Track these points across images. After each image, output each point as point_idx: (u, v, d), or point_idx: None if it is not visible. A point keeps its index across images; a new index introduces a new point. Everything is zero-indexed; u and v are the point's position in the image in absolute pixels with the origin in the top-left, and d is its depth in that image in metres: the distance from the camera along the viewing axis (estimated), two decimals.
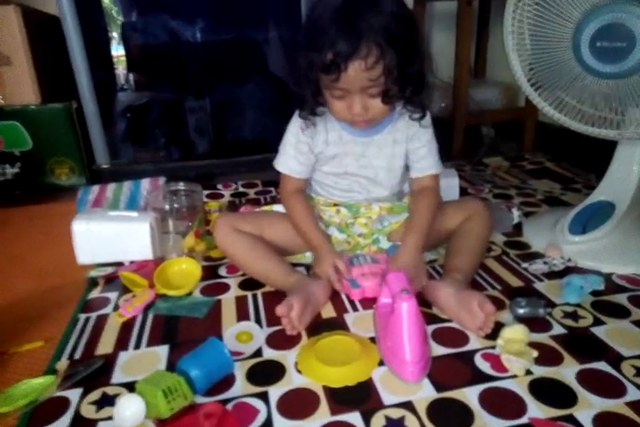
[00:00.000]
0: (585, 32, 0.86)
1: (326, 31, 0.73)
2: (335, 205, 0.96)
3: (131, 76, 2.29)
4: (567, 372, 0.66)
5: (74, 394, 0.64)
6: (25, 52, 1.38)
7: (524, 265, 0.95)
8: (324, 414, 0.60)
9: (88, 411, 0.61)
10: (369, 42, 0.71)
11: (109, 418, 0.60)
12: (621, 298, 0.83)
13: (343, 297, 0.86)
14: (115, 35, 2.62)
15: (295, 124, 0.91)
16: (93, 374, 0.67)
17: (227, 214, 1.01)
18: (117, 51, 2.43)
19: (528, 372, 0.66)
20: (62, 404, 0.63)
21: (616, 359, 0.68)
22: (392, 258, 0.86)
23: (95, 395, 0.64)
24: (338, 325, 0.78)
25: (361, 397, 0.63)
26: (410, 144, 0.91)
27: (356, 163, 0.91)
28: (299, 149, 0.91)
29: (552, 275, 0.91)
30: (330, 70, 0.73)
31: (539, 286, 0.88)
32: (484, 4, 1.97)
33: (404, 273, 0.72)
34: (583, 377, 0.65)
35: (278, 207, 0.98)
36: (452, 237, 0.91)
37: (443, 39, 2.03)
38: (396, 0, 0.76)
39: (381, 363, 0.69)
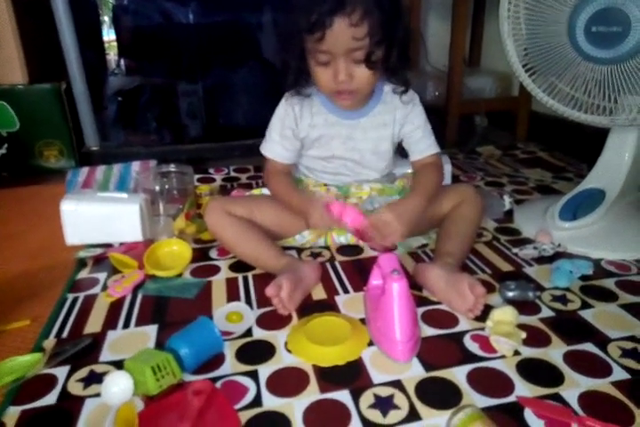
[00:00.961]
0: (580, 16, 0.86)
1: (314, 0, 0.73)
2: (325, 185, 0.97)
3: (122, 60, 2.26)
4: (554, 353, 0.67)
5: (61, 372, 0.64)
6: (13, 31, 1.35)
7: (515, 250, 0.95)
8: (313, 391, 0.60)
9: (75, 388, 0.61)
10: (354, 0, 0.72)
11: (97, 395, 0.59)
12: (609, 283, 0.84)
13: (334, 279, 0.86)
14: (106, 18, 2.58)
15: (281, 110, 0.92)
16: (81, 352, 0.67)
17: (218, 198, 1.01)
18: (109, 34, 2.39)
19: (516, 353, 0.67)
20: (49, 381, 0.62)
21: (603, 341, 0.69)
22: (388, 204, 0.86)
23: (83, 373, 0.64)
24: (329, 306, 0.78)
25: (350, 375, 0.63)
26: (403, 128, 0.92)
27: (343, 146, 0.92)
28: (284, 135, 0.91)
29: (542, 260, 0.92)
30: (315, 28, 0.73)
31: (529, 270, 0.89)
32: None
33: (394, 255, 0.72)
34: (570, 358, 0.66)
35: (268, 191, 0.98)
36: (444, 222, 0.92)
37: (438, 27, 2.03)
38: None
39: (371, 344, 0.69)
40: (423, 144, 0.93)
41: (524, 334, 0.69)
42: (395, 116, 0.91)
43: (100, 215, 0.96)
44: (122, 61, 2.27)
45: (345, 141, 0.92)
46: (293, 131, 0.91)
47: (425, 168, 0.94)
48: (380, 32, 0.75)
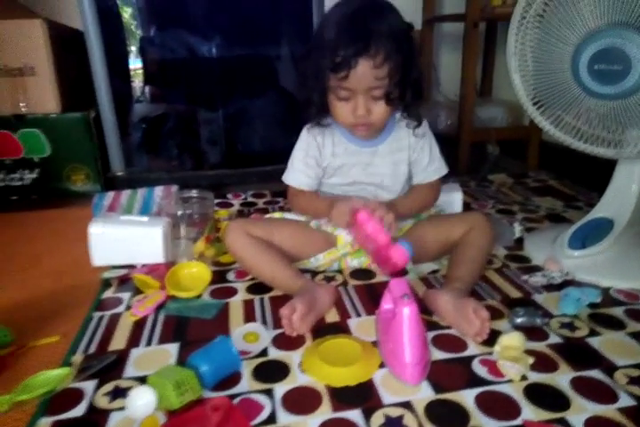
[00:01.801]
0: (583, 55, 0.91)
1: (338, 33, 0.80)
2: None
3: (147, 88, 2.37)
4: (561, 378, 0.68)
5: (88, 386, 0.67)
6: (48, 64, 1.44)
7: (524, 277, 0.98)
8: (325, 410, 0.63)
9: (102, 401, 0.64)
10: (377, 43, 0.79)
11: (122, 409, 0.62)
12: (618, 311, 0.86)
13: (347, 303, 0.89)
14: (133, 48, 2.71)
15: (303, 140, 0.97)
16: (107, 367, 0.71)
17: (239, 219, 1.06)
18: (135, 64, 2.51)
19: (523, 377, 0.69)
20: (77, 394, 0.66)
21: (610, 368, 0.71)
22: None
23: (108, 387, 0.67)
24: (341, 329, 0.81)
25: (362, 396, 0.65)
26: (413, 154, 0.97)
27: (363, 172, 0.97)
28: (307, 164, 0.97)
29: (551, 287, 0.94)
30: (340, 68, 0.80)
31: (537, 297, 0.91)
32: (491, 25, 2.03)
33: (405, 279, 0.75)
34: (577, 384, 0.67)
35: (289, 215, 1.02)
36: (455, 248, 0.95)
37: (450, 59, 2.10)
38: (397, 13, 0.85)
39: (382, 365, 0.71)
40: (426, 173, 0.99)
41: (531, 360, 0.71)
42: (409, 141, 0.97)
43: (125, 238, 1.01)
44: (147, 89, 2.38)
45: (365, 168, 0.97)
46: (317, 159, 0.96)
47: (422, 187, 1.00)
48: (399, 73, 0.82)
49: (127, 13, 2.90)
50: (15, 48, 1.40)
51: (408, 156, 0.97)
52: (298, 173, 0.98)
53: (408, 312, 0.67)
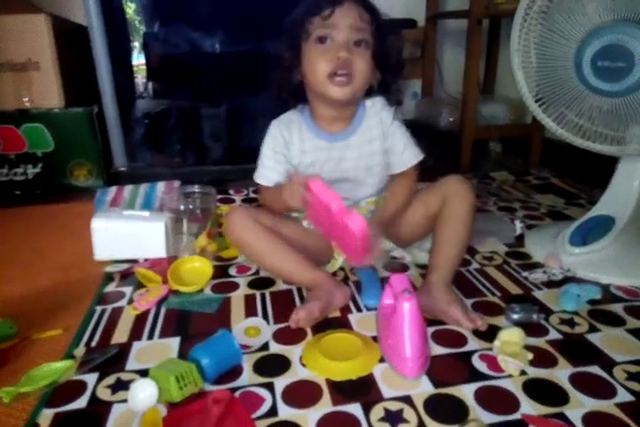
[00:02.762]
0: (587, 52, 0.91)
1: None
2: None
3: (150, 84, 2.37)
4: (561, 374, 0.69)
5: (91, 378, 0.68)
6: (52, 59, 1.45)
7: (524, 274, 0.98)
8: (326, 404, 0.63)
9: (104, 394, 0.65)
10: None
11: (124, 401, 0.63)
12: (617, 307, 0.86)
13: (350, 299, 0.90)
14: (136, 44, 2.71)
15: (270, 137, 0.93)
16: (109, 360, 0.71)
17: (243, 206, 1.02)
18: (138, 59, 2.51)
19: (523, 372, 0.69)
20: (80, 386, 0.66)
21: (609, 364, 0.71)
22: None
23: (110, 380, 0.68)
24: (342, 324, 0.81)
25: (362, 390, 0.66)
26: (387, 142, 0.93)
27: (337, 168, 0.93)
28: (277, 160, 0.93)
29: (551, 284, 0.94)
30: (324, 5, 0.80)
31: (537, 294, 0.91)
32: (494, 22, 2.03)
33: (405, 275, 0.76)
34: (576, 379, 0.68)
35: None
36: (434, 228, 0.91)
37: (453, 56, 2.09)
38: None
39: (382, 360, 0.72)
40: (405, 157, 0.94)
41: (530, 355, 0.71)
42: (381, 129, 0.93)
43: (127, 233, 1.02)
44: (150, 85, 2.39)
45: (338, 163, 0.93)
46: (285, 156, 0.92)
47: (400, 177, 0.96)
48: (377, 32, 0.83)
49: (131, 9, 2.90)
50: (19, 43, 1.41)
51: (381, 146, 0.93)
52: (267, 171, 0.93)
53: (408, 307, 0.68)
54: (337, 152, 0.92)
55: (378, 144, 0.93)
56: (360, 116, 0.93)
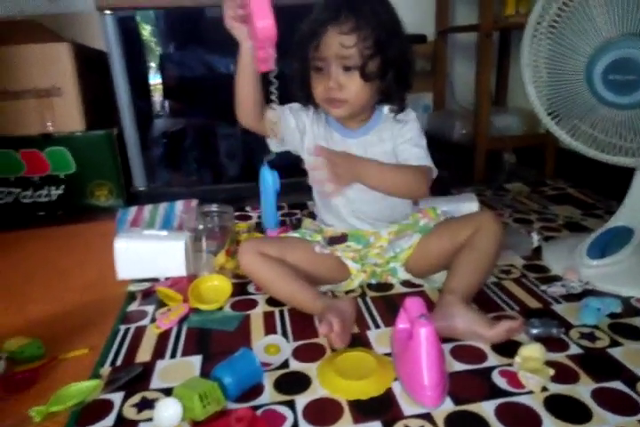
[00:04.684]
0: (597, 66, 0.91)
1: (319, 9, 0.85)
2: (343, 236, 0.99)
3: (167, 104, 2.43)
4: (583, 390, 0.68)
5: (116, 397, 0.70)
6: (74, 84, 1.50)
7: (543, 287, 0.98)
8: (346, 422, 0.64)
9: (130, 413, 0.67)
10: (348, 12, 0.82)
11: (149, 419, 0.65)
12: (639, 321, 0.85)
13: (365, 314, 0.90)
14: (153, 64, 2.78)
15: (298, 105, 0.95)
16: (134, 379, 0.73)
17: (250, 240, 1.03)
18: (155, 79, 2.58)
19: (544, 389, 0.69)
20: (107, 406, 0.68)
21: (631, 379, 0.70)
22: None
23: (136, 398, 0.69)
24: (360, 340, 0.82)
25: (382, 407, 0.66)
26: (395, 142, 0.93)
27: None
28: (291, 108, 0.94)
29: (570, 297, 0.94)
30: (312, 36, 0.83)
31: (557, 307, 0.91)
32: (505, 34, 2.04)
33: (420, 298, 0.74)
34: (598, 395, 0.67)
35: (292, 234, 1.02)
36: (456, 254, 0.90)
37: (464, 68, 2.11)
38: (387, 2, 0.87)
39: (397, 380, 0.72)
40: (408, 153, 0.91)
41: (552, 371, 0.71)
42: (392, 132, 0.94)
43: (148, 252, 1.04)
44: (166, 104, 2.45)
45: None
46: (299, 124, 0.94)
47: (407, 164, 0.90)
48: (372, 45, 0.83)
49: (147, 31, 2.99)
50: (44, 70, 1.47)
51: (392, 147, 0.93)
52: (275, 105, 0.86)
53: (426, 333, 0.66)
54: (348, 147, 0.91)
55: (389, 146, 0.94)
56: (376, 120, 0.95)
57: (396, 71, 0.87)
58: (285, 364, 0.76)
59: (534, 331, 0.80)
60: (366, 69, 0.84)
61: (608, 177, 1.45)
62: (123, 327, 0.89)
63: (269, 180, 0.91)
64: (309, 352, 0.79)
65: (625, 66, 0.88)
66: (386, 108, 0.94)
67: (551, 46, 0.99)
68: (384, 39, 0.83)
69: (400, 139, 0.93)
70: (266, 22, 0.71)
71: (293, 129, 0.94)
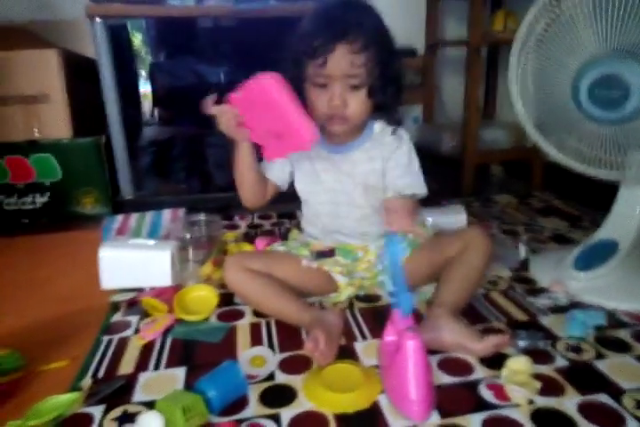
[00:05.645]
0: (583, 81, 0.93)
1: (318, 21, 0.83)
2: (331, 251, 0.98)
3: (156, 112, 2.43)
4: (569, 403, 0.68)
5: (97, 411, 0.68)
6: (62, 91, 1.49)
7: (530, 299, 0.98)
8: None
9: None
10: (356, 31, 0.80)
11: None
12: (624, 333, 0.86)
13: (353, 325, 0.90)
14: (143, 73, 2.78)
15: None
16: (115, 392, 0.71)
17: (235, 254, 1.02)
18: (144, 88, 2.57)
19: (530, 402, 0.69)
20: (86, 419, 0.66)
21: (617, 392, 0.70)
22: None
23: (117, 412, 0.68)
24: (348, 352, 0.81)
25: (368, 421, 0.66)
26: (386, 164, 0.93)
27: (333, 177, 0.94)
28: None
29: (556, 310, 0.94)
30: (318, 53, 0.80)
31: (543, 320, 0.91)
32: (493, 48, 2.07)
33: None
34: (584, 408, 0.67)
35: (278, 247, 1.02)
36: (445, 268, 0.91)
37: (453, 82, 2.13)
38: (377, 12, 0.86)
39: (383, 393, 0.71)
40: (401, 182, 0.91)
41: (538, 384, 0.71)
42: (382, 152, 0.92)
43: (134, 261, 1.03)
44: (155, 113, 2.44)
45: (335, 173, 0.94)
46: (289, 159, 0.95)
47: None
48: (377, 64, 0.83)
49: (137, 39, 2.99)
50: (31, 77, 1.46)
51: (381, 167, 0.93)
52: (266, 165, 0.94)
53: (413, 346, 0.65)
54: (336, 163, 0.93)
55: (377, 164, 0.93)
56: (366, 136, 0.93)
57: (393, 87, 0.87)
58: (271, 376, 0.75)
59: (521, 343, 0.80)
60: (368, 86, 0.84)
61: (594, 190, 1.47)
62: (105, 338, 0.88)
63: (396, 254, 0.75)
64: (296, 364, 0.78)
65: (610, 82, 0.89)
66: (377, 126, 0.94)
67: (538, 61, 1.01)
68: (387, 57, 0.84)
69: (392, 162, 0.92)
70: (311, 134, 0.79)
71: (288, 167, 0.96)
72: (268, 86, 0.78)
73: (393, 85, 0.87)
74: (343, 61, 0.81)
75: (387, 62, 0.84)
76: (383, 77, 0.85)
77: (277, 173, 0.96)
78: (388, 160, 0.93)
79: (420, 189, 0.92)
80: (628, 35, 0.86)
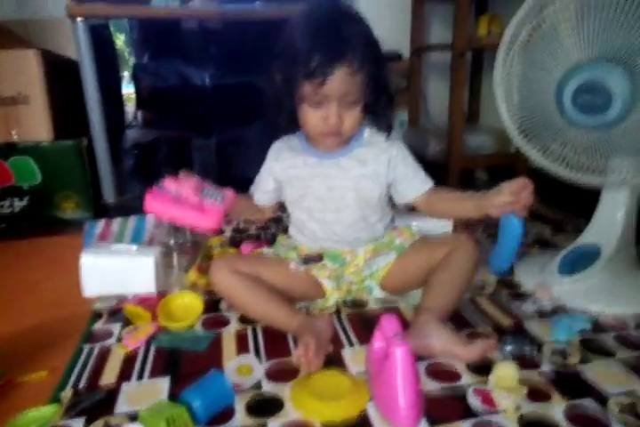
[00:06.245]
0: (567, 87, 0.94)
1: (312, 41, 0.80)
2: (319, 256, 0.98)
3: (139, 114, 2.39)
4: (555, 408, 0.68)
5: (77, 423, 0.66)
6: (42, 92, 1.46)
7: (515, 304, 0.98)
8: None
9: None
10: (353, 50, 0.80)
11: None
12: (608, 337, 0.86)
13: (340, 332, 0.89)
14: (126, 74, 2.74)
15: (268, 154, 1.00)
16: (97, 403, 0.70)
17: (222, 257, 1.02)
18: (128, 88, 2.54)
19: (517, 407, 0.69)
20: None
21: (602, 397, 0.71)
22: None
23: (98, 424, 0.66)
24: (335, 359, 0.80)
25: None
26: (390, 173, 0.94)
27: (323, 184, 0.94)
28: (265, 176, 1.00)
29: (541, 314, 0.94)
30: (315, 75, 0.79)
31: (529, 324, 0.91)
32: (478, 53, 2.09)
33: (395, 317, 0.72)
34: (570, 413, 0.67)
35: (267, 250, 1.02)
36: (432, 273, 0.91)
37: (438, 87, 2.15)
38: (365, 20, 0.86)
39: (372, 401, 0.70)
40: (416, 180, 0.96)
41: (525, 390, 0.71)
42: (378, 157, 0.93)
43: (116, 268, 1.01)
44: (139, 115, 2.41)
45: (325, 180, 0.94)
46: (272, 171, 0.98)
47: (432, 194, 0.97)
48: (371, 79, 0.83)
49: (120, 40, 2.95)
50: (9, 77, 1.43)
51: (374, 172, 0.93)
52: (255, 188, 1.03)
53: (401, 353, 0.65)
54: (325, 169, 0.94)
55: (369, 168, 0.93)
56: (356, 142, 0.94)
57: (387, 96, 0.89)
58: (258, 385, 0.74)
59: (507, 348, 0.80)
60: (364, 102, 0.85)
61: (576, 195, 1.49)
62: (87, 347, 0.85)
63: (517, 229, 0.90)
64: (283, 372, 0.77)
65: (593, 88, 0.90)
66: (367, 131, 0.94)
67: (523, 66, 1.01)
68: (379, 69, 0.85)
69: (401, 167, 0.95)
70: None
71: (271, 184, 1.00)
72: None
73: (385, 95, 0.88)
74: (341, 82, 0.81)
75: (379, 75, 0.85)
76: (376, 90, 0.85)
77: (263, 196, 1.02)
78: (395, 166, 0.94)
79: (430, 182, 0.98)
80: (610, 41, 0.88)
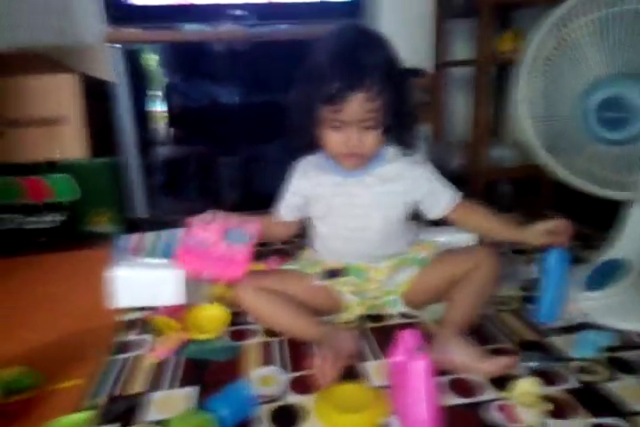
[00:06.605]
0: (590, 103, 0.94)
1: (332, 66, 0.82)
2: (342, 270, 0.98)
3: (170, 133, 2.48)
4: (580, 425, 0.68)
5: None
6: (80, 114, 1.54)
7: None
8: None
9: None
10: (372, 76, 0.81)
11: None
12: (636, 354, 0.85)
13: (364, 345, 0.90)
14: (157, 94, 2.84)
15: (294, 172, 1.01)
16: (128, 411, 0.72)
17: (247, 276, 1.05)
18: (159, 108, 2.63)
19: (543, 424, 0.68)
20: None
21: (629, 414, 0.70)
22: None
23: None
24: (358, 372, 0.81)
25: None
26: (419, 189, 0.95)
27: (347, 201, 0.95)
28: (292, 193, 1.01)
29: (567, 329, 0.93)
30: (334, 101, 0.81)
31: (554, 340, 0.90)
32: (501, 68, 2.09)
33: (417, 331, 0.72)
34: None
35: (289, 266, 1.03)
36: (453, 288, 0.91)
37: (460, 101, 2.16)
38: (387, 43, 0.87)
39: (393, 414, 0.71)
40: (445, 197, 0.97)
41: (548, 406, 0.70)
42: (402, 174, 0.94)
43: (147, 280, 1.04)
44: (170, 135, 2.50)
45: (349, 198, 0.95)
46: (299, 187, 0.99)
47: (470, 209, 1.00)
48: (392, 104, 0.84)
49: (153, 62, 3.06)
50: (51, 100, 1.51)
51: (398, 189, 0.94)
52: (281, 205, 1.04)
53: (422, 367, 0.66)
54: (349, 187, 0.95)
55: (394, 186, 0.94)
56: (379, 160, 0.95)
57: (406, 116, 0.90)
58: (282, 396, 0.76)
59: (531, 364, 0.79)
60: (389, 124, 0.87)
61: (602, 209, 1.47)
62: (118, 357, 0.89)
63: (559, 267, 0.91)
64: (306, 384, 0.78)
65: (615, 103, 0.91)
66: (391, 149, 0.95)
67: (546, 83, 1.02)
68: (401, 95, 0.86)
69: (426, 184, 0.96)
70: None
71: (301, 202, 1.01)
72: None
73: (406, 116, 0.89)
74: (360, 109, 0.82)
75: (399, 98, 0.86)
76: (397, 113, 0.87)
77: (289, 212, 1.03)
78: (419, 185, 0.95)
79: (457, 194, 0.99)
80: (632, 56, 0.88)
